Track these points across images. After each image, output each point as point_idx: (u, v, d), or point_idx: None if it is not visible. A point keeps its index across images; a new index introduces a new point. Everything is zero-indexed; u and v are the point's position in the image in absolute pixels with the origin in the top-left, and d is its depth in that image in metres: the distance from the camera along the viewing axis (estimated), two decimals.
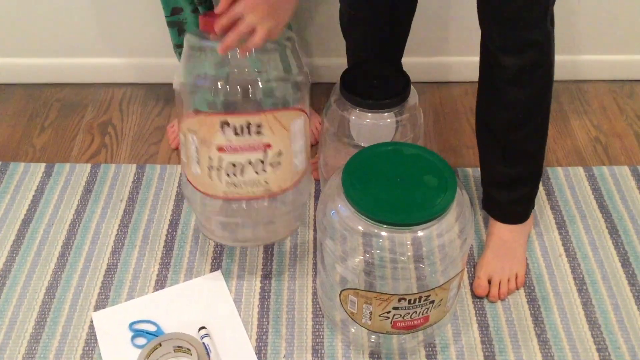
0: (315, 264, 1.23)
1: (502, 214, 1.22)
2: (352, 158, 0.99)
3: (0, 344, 1.11)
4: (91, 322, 1.14)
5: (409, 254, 0.96)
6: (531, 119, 1.10)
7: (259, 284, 1.20)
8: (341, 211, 0.95)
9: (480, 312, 1.16)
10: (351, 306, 1.01)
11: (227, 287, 1.20)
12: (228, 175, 0.96)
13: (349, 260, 0.98)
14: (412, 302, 0.97)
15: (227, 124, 0.93)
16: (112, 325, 1.13)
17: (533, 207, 1.24)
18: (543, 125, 1.13)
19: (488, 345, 1.11)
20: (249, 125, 0.94)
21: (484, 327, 1.14)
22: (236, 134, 0.94)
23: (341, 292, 1.01)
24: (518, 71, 1.03)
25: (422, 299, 0.97)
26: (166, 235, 1.29)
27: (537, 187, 1.21)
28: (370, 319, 1.01)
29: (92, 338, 1.12)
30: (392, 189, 0.94)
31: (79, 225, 1.31)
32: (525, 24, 0.98)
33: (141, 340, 1.11)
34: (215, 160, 0.94)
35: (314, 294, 1.19)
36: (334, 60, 1.57)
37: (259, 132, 0.95)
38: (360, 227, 0.94)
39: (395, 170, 0.97)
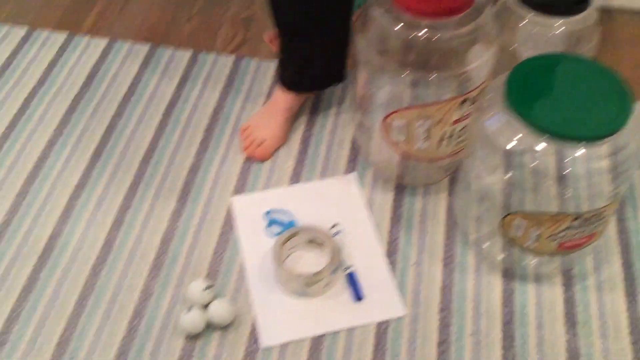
0: (451, 179, 1.20)
1: None
2: (517, 67, 0.93)
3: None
4: (229, 206, 1.18)
5: (571, 169, 0.89)
6: None
7: (393, 192, 1.19)
8: (501, 120, 0.90)
9: (625, 249, 1.09)
10: (515, 230, 0.97)
11: (362, 191, 1.19)
12: (458, 137, 1.08)
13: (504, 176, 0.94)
14: (586, 220, 0.91)
15: (466, 100, 1.02)
16: (250, 211, 1.16)
17: None
18: None
19: (630, 282, 1.05)
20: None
21: (628, 265, 1.07)
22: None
23: (505, 216, 0.96)
24: None
25: (597, 216, 0.91)
26: (303, 133, 1.29)
27: None
28: (537, 241, 0.97)
29: (229, 222, 1.16)
30: (562, 101, 0.88)
31: (220, 114, 1.33)
32: None
33: (275, 229, 1.13)
34: (448, 132, 1.06)
35: (449, 207, 1.16)
36: None
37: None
38: (521, 137, 0.88)
39: (565, 82, 0.91)
